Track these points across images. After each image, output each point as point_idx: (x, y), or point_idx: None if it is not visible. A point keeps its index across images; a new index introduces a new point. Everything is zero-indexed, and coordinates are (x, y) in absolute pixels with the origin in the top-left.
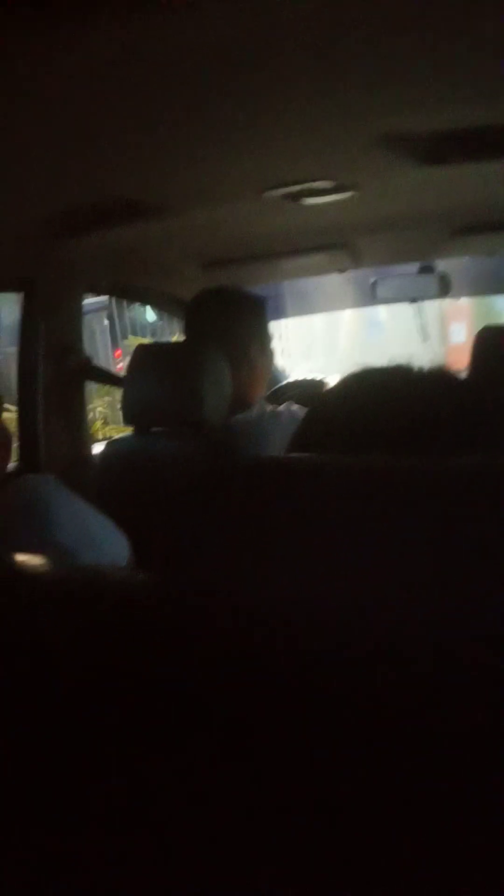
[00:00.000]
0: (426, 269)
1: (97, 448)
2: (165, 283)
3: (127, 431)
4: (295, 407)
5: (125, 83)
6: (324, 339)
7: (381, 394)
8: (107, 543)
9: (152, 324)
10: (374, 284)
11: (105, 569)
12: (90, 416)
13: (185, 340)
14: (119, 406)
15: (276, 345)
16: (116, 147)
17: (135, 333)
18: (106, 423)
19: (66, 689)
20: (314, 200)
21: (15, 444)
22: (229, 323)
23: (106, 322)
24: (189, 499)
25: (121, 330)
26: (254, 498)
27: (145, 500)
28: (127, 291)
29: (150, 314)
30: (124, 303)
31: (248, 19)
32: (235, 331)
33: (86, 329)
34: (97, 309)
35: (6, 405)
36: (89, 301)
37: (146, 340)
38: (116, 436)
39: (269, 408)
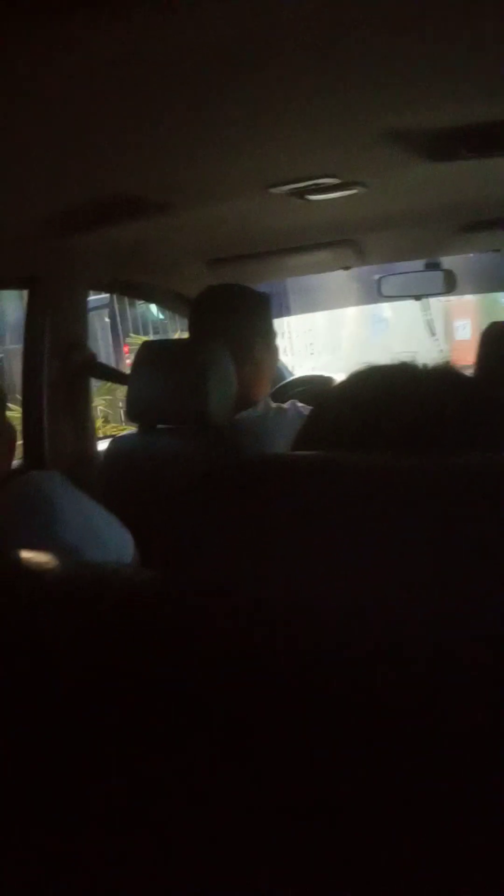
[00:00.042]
0: (432, 266)
1: (101, 445)
2: (170, 281)
3: (127, 430)
4: (300, 405)
5: (127, 82)
6: (327, 336)
7: (386, 391)
8: (112, 541)
9: (154, 321)
10: (379, 281)
11: (110, 566)
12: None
13: (189, 337)
14: (120, 404)
15: (280, 342)
16: (121, 145)
17: (136, 331)
18: (107, 420)
19: (70, 687)
20: (319, 197)
21: (19, 442)
22: (234, 320)
23: (107, 320)
24: (193, 496)
25: (122, 328)
26: (258, 495)
27: (150, 498)
28: (131, 289)
29: (152, 312)
30: (125, 301)
31: (249, 17)
32: (240, 328)
33: None
34: (98, 307)
35: (9, 403)
36: (90, 299)
37: (145, 339)
38: (120, 433)
39: (274, 405)
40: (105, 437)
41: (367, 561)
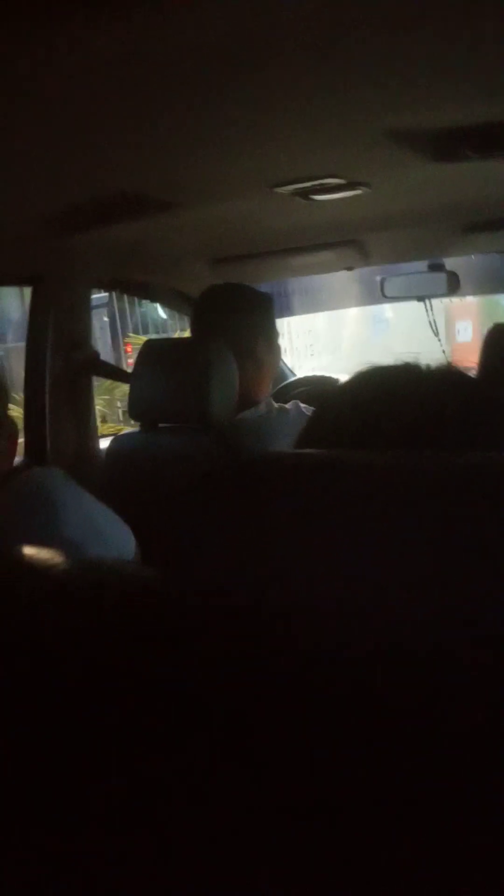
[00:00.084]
0: (436, 267)
1: (103, 443)
2: (173, 280)
3: (124, 430)
4: (302, 405)
5: (128, 81)
6: (328, 337)
7: (390, 392)
8: (113, 537)
9: (155, 320)
10: (383, 282)
11: (111, 561)
12: None
13: (192, 336)
14: (118, 404)
15: (282, 342)
16: (123, 144)
17: (135, 330)
18: (104, 420)
19: (69, 686)
20: (324, 197)
21: (21, 439)
22: (236, 319)
23: (106, 319)
24: (195, 495)
25: (121, 327)
26: (259, 494)
27: (151, 496)
28: (134, 287)
29: (155, 311)
30: (124, 299)
31: (249, 17)
32: (242, 327)
33: None
34: (97, 306)
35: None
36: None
37: (145, 339)
38: (122, 432)
39: (276, 406)
40: (102, 436)
41: (366, 560)
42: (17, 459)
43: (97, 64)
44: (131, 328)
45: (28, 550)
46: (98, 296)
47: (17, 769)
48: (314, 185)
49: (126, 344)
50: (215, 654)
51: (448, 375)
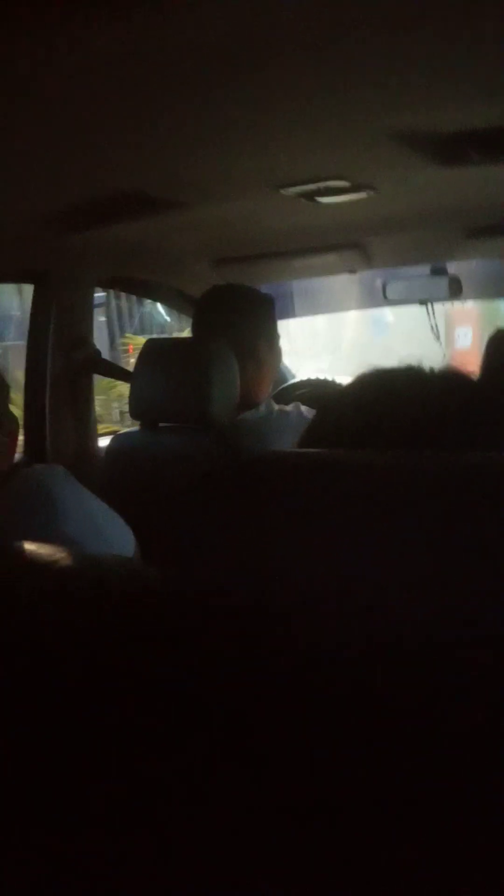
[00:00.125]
0: (438, 271)
1: (103, 442)
2: (175, 279)
3: (122, 430)
4: (303, 407)
5: (128, 81)
6: (328, 339)
7: (392, 394)
8: (113, 535)
9: (154, 321)
10: (385, 285)
11: (112, 559)
12: None
13: (193, 337)
14: (114, 405)
15: (283, 344)
16: (123, 143)
17: (133, 330)
18: (100, 421)
19: (69, 685)
20: (329, 199)
21: (21, 437)
22: (238, 320)
23: (103, 318)
24: (195, 495)
25: (119, 326)
26: (258, 494)
27: (150, 496)
28: (136, 286)
29: (156, 310)
30: (122, 298)
31: (249, 17)
32: (244, 328)
33: None
34: (96, 305)
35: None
36: None
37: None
38: (122, 431)
39: (277, 407)
40: (99, 436)
41: (367, 560)
42: (17, 456)
43: (98, 64)
44: (130, 328)
45: (28, 547)
46: (97, 294)
47: (16, 767)
48: (319, 188)
49: (128, 345)
50: (215, 652)
51: (450, 378)
